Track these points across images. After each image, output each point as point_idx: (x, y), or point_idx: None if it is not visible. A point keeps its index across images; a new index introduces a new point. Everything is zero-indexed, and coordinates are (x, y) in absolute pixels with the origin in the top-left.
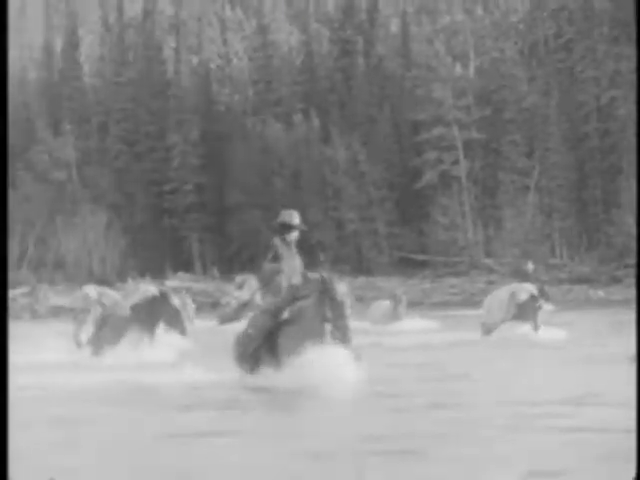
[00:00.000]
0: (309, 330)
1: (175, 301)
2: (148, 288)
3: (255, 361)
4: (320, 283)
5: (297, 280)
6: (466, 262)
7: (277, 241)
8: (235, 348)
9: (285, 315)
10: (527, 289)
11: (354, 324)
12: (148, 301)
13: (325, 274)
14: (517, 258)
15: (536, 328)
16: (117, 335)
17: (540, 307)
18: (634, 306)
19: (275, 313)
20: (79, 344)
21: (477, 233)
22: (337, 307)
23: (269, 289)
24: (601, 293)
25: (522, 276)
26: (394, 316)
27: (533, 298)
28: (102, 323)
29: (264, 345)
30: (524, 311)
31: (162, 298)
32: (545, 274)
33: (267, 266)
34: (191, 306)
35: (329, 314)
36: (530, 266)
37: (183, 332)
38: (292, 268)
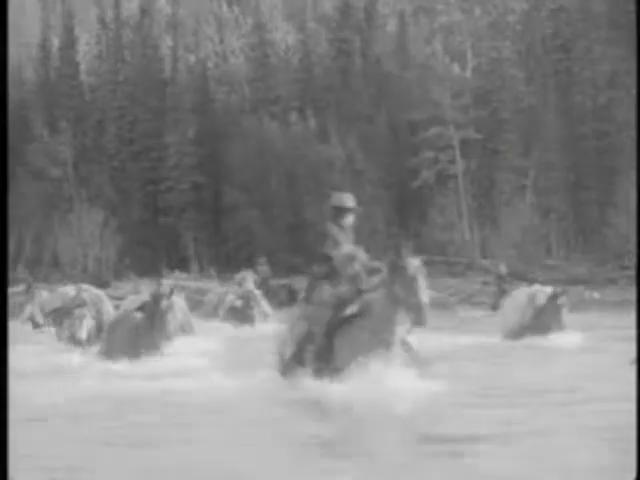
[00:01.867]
0: (376, 329)
1: (163, 305)
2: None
3: (313, 362)
4: (389, 262)
5: (355, 269)
6: (462, 262)
7: (332, 227)
8: (287, 348)
9: (350, 310)
10: (545, 290)
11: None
12: (146, 304)
13: (396, 251)
14: (513, 258)
15: (562, 327)
16: (132, 340)
17: (563, 305)
18: (630, 307)
19: (338, 307)
20: (79, 342)
21: (473, 233)
22: (408, 283)
23: (333, 281)
24: (597, 295)
25: (497, 278)
26: None
27: (553, 298)
28: (113, 325)
29: (324, 345)
30: (544, 313)
31: (154, 302)
32: (541, 275)
33: (338, 254)
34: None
35: (401, 292)
36: (503, 268)
37: (168, 337)
38: (347, 256)
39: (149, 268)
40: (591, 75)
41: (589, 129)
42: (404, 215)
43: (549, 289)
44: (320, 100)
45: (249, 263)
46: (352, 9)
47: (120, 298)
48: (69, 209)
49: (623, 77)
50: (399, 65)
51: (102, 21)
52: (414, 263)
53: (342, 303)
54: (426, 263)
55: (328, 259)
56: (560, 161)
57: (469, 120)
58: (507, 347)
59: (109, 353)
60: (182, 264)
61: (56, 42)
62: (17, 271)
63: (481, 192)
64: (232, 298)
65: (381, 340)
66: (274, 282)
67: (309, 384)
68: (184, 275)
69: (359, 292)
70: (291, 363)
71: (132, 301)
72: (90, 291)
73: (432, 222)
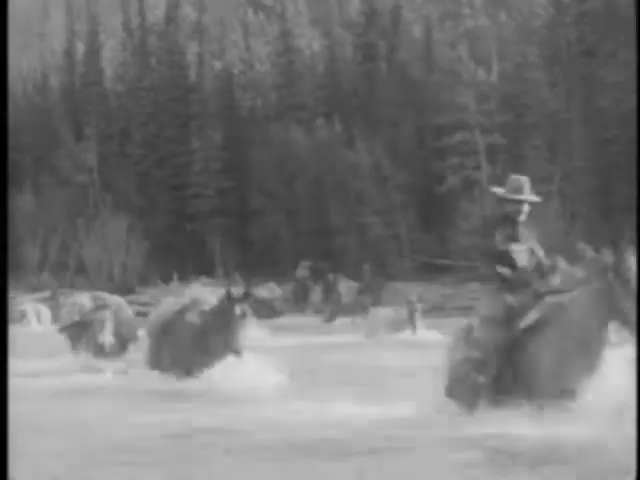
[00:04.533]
0: (580, 339)
1: (237, 310)
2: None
3: (493, 392)
4: (599, 264)
5: (533, 271)
6: None
7: (500, 219)
8: (450, 377)
9: (529, 319)
10: None
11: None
12: (220, 307)
13: (615, 247)
14: None
15: None
16: (194, 349)
17: None
18: None
19: (508, 320)
20: (100, 348)
21: None
22: (632, 292)
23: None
24: None
25: None
26: (406, 325)
27: None
28: (161, 332)
29: (504, 370)
30: None
31: (230, 305)
32: None
33: (516, 254)
34: None
35: (622, 302)
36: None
37: (238, 351)
38: (523, 255)
39: (175, 274)
40: (616, 79)
41: (615, 133)
42: (429, 220)
43: None
44: (346, 106)
45: (275, 269)
46: (378, 14)
47: (146, 304)
48: (94, 215)
49: None
50: (425, 70)
51: (127, 28)
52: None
53: (516, 314)
54: (451, 268)
55: (502, 259)
56: (585, 166)
57: (494, 125)
58: None
59: (157, 364)
60: (207, 270)
61: (81, 49)
62: (42, 277)
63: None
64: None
65: (588, 358)
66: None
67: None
68: (210, 281)
69: (537, 297)
70: (465, 391)
71: (174, 303)
72: (107, 298)
73: (457, 227)
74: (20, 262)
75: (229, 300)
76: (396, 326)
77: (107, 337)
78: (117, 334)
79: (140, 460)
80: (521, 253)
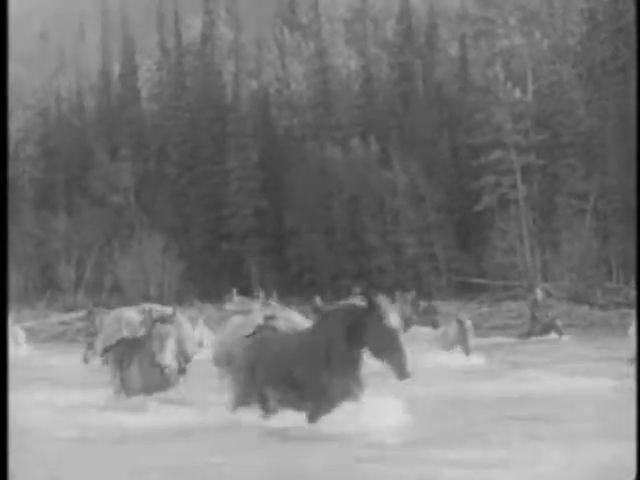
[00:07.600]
0: None
1: (392, 321)
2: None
3: None
4: None
5: None
6: (524, 286)
7: None
8: None
9: None
10: None
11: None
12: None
13: None
14: (574, 282)
15: None
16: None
17: None
18: None
19: None
20: (165, 366)
21: (535, 257)
22: None
23: None
24: None
25: (531, 304)
26: (457, 347)
27: None
28: (247, 364)
29: None
30: None
31: (371, 313)
32: (602, 298)
33: None
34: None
35: None
36: (539, 293)
37: (358, 395)
38: None
39: (211, 293)
40: None
41: None
42: (466, 239)
43: None
44: (382, 125)
45: (312, 288)
46: (413, 34)
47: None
48: (130, 235)
49: None
50: (460, 89)
51: (163, 47)
52: None
53: None
54: (487, 287)
55: None
56: (620, 184)
57: (530, 144)
58: None
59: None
60: (244, 289)
61: (117, 69)
62: (77, 297)
63: (542, 216)
64: None
65: None
66: None
67: None
68: (247, 300)
69: None
70: None
71: (243, 325)
72: (158, 310)
73: (493, 246)
74: (55, 282)
75: (372, 307)
76: (444, 346)
77: (168, 358)
78: (177, 355)
79: None
80: None
